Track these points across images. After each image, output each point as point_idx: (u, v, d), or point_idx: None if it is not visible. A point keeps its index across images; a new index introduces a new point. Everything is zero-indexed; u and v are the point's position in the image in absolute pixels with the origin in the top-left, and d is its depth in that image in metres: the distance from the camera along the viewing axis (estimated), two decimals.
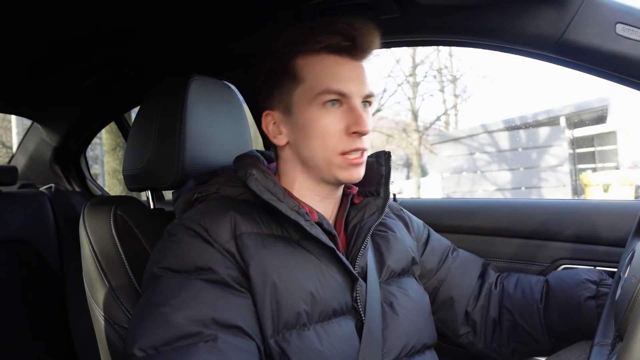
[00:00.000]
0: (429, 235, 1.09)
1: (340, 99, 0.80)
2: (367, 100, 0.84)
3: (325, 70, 0.81)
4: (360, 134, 0.80)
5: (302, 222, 0.78)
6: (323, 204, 0.88)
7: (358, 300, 0.82)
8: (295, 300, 0.75)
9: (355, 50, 0.81)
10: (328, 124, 0.80)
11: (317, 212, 0.85)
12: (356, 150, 0.81)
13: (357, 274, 0.83)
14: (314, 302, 0.76)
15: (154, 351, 0.64)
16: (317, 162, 0.83)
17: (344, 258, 0.81)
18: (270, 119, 0.87)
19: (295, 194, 0.87)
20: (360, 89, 0.81)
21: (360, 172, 0.84)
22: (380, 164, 0.97)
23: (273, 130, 0.87)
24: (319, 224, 0.83)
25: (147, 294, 0.74)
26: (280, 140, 0.87)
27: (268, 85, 0.87)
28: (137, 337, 0.66)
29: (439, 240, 1.10)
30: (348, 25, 0.79)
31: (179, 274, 0.72)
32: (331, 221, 0.90)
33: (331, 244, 0.80)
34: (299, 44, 0.82)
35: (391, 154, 0.99)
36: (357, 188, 0.96)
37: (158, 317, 0.66)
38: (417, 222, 1.10)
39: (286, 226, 0.82)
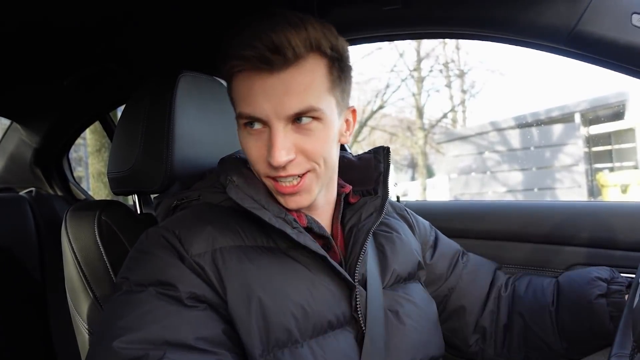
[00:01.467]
0: (436, 238, 1.09)
1: (260, 122, 0.75)
2: (302, 116, 0.74)
3: (240, 91, 0.76)
4: (271, 166, 0.75)
5: (288, 230, 0.77)
6: (310, 211, 0.86)
7: (359, 310, 0.81)
8: (285, 315, 0.74)
9: (261, 68, 0.72)
10: (251, 148, 0.78)
11: (307, 215, 0.84)
12: (280, 177, 0.77)
13: (355, 281, 0.82)
14: (305, 317, 0.75)
15: None
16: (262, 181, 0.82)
17: (337, 265, 0.80)
18: None
19: None
20: (278, 110, 0.72)
21: (297, 201, 0.80)
22: (378, 160, 0.97)
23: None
24: (309, 229, 0.82)
25: (105, 308, 0.75)
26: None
27: None
28: (91, 355, 0.68)
29: (448, 244, 1.10)
30: (242, 45, 0.72)
31: (138, 286, 0.72)
32: (327, 225, 0.90)
33: (322, 252, 0.79)
34: (222, 64, 0.78)
35: (390, 149, 0.98)
36: (350, 187, 0.95)
37: (108, 342, 0.66)
38: (422, 222, 1.10)
39: (272, 235, 0.81)
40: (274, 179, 0.78)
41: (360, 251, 0.85)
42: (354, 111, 0.88)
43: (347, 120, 0.87)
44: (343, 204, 0.92)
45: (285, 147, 0.74)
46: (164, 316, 0.68)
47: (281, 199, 0.81)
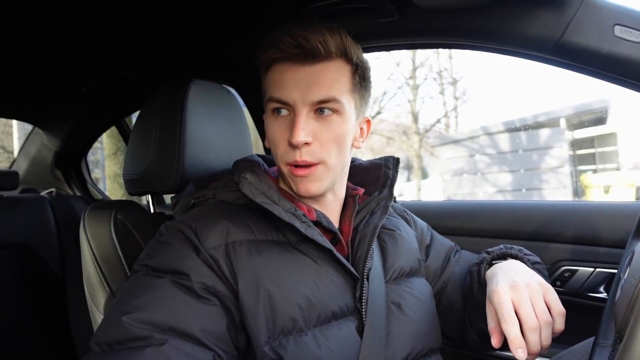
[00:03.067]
0: (432, 238, 1.09)
1: (287, 107, 0.79)
2: (323, 106, 0.78)
3: (273, 78, 0.80)
4: (291, 145, 0.77)
5: (297, 224, 0.77)
6: (317, 206, 0.87)
7: (363, 301, 0.81)
8: (291, 305, 0.74)
9: (293, 59, 0.77)
10: (275, 133, 0.81)
11: (316, 210, 0.84)
12: (295, 162, 0.79)
13: (359, 274, 0.82)
14: (310, 307, 0.75)
15: (108, 348, 0.65)
16: (279, 169, 0.84)
17: (342, 258, 0.80)
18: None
19: (294, 195, 0.86)
20: (305, 96, 0.77)
21: (309, 187, 0.81)
22: (387, 167, 0.98)
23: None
24: (319, 223, 0.82)
25: (121, 290, 0.75)
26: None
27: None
28: (98, 331, 0.68)
29: (442, 242, 1.09)
30: (279, 34, 0.77)
31: (155, 272, 0.73)
32: (335, 222, 0.90)
33: (328, 245, 0.79)
34: (260, 57, 0.83)
35: (399, 159, 0.99)
36: (362, 190, 0.95)
37: (118, 316, 0.67)
38: (420, 224, 1.10)
39: (282, 229, 0.81)
40: (290, 164, 0.80)
41: (369, 246, 0.85)
42: (368, 121, 0.91)
43: (361, 128, 0.90)
44: (356, 205, 0.92)
45: (304, 129, 0.77)
46: (174, 303, 0.69)
47: (294, 184, 0.82)
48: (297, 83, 0.77)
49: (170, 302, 0.69)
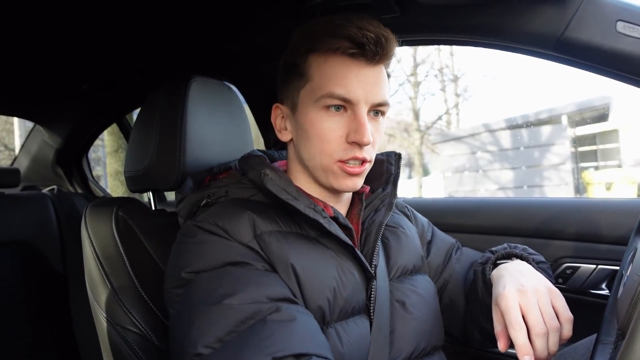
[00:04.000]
0: (433, 234, 1.08)
1: (345, 105, 0.77)
2: (378, 109, 0.79)
3: (332, 72, 0.76)
4: (359, 144, 0.76)
5: (320, 219, 0.76)
6: (331, 203, 0.86)
7: (372, 299, 0.81)
8: (320, 297, 0.74)
9: (366, 55, 0.75)
10: (328, 129, 0.77)
11: (332, 207, 0.84)
12: (354, 159, 0.78)
13: (372, 272, 0.82)
14: (335, 299, 0.75)
15: (219, 344, 0.62)
16: (315, 165, 0.81)
17: (361, 256, 0.80)
18: (279, 112, 0.86)
19: (306, 191, 0.85)
20: (368, 96, 0.76)
21: (356, 183, 0.81)
22: (390, 163, 0.98)
23: (280, 124, 0.86)
24: (335, 219, 0.82)
25: (183, 300, 0.71)
26: (284, 135, 0.86)
27: (281, 78, 0.85)
28: (197, 337, 0.64)
29: (443, 239, 1.09)
30: (359, 29, 0.73)
31: (212, 271, 0.70)
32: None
33: (350, 242, 0.79)
34: (311, 42, 0.78)
35: (401, 155, 0.99)
36: (368, 187, 0.95)
37: (211, 310, 0.64)
38: (421, 220, 1.09)
39: (303, 224, 0.81)
40: (344, 161, 0.78)
41: (375, 244, 0.85)
42: None
43: None
44: (363, 203, 0.92)
45: (369, 129, 0.76)
46: (255, 280, 0.68)
47: (340, 179, 0.80)
48: (361, 82, 0.75)
49: (250, 280, 0.68)
